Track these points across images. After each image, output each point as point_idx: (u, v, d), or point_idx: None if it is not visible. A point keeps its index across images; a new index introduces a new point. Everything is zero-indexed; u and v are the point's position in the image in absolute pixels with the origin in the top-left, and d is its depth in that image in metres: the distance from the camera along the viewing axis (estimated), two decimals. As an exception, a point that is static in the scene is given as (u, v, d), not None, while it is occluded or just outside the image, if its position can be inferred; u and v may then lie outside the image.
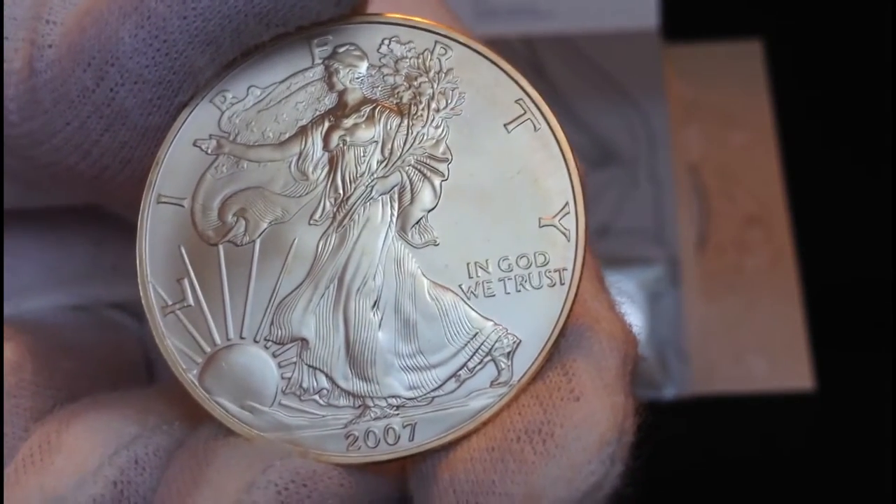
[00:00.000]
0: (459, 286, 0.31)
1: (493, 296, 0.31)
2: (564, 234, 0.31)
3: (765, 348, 0.70)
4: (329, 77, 0.32)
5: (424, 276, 0.31)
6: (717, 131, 0.78)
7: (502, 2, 0.77)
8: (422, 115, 0.32)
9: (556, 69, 0.76)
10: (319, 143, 0.32)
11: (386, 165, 0.32)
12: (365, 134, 0.32)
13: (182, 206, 0.32)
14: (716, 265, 0.73)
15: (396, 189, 0.32)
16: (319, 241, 0.31)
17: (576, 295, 0.31)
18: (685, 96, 0.78)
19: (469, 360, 0.31)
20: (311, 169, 0.32)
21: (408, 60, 0.32)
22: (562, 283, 0.31)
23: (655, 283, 0.72)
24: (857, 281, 0.71)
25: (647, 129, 0.76)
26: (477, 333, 0.31)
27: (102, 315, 0.40)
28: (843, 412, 0.67)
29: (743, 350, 0.70)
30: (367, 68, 0.32)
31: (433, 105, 0.32)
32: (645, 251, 0.73)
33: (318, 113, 0.32)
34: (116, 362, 0.39)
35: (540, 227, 0.31)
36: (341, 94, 0.32)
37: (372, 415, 0.31)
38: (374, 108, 0.32)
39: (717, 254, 0.74)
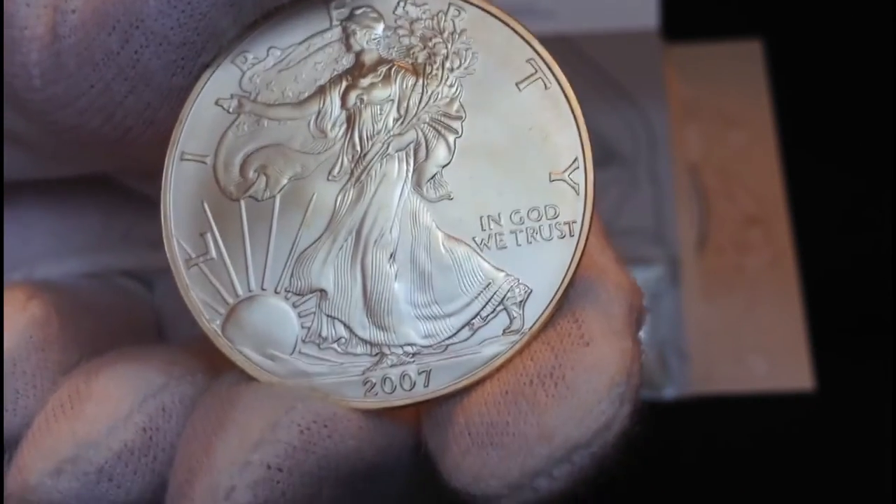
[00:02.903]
0: (473, 238, 0.32)
1: (505, 247, 0.32)
2: (574, 187, 0.32)
3: (765, 348, 0.70)
4: (346, 38, 0.33)
5: (439, 228, 0.32)
6: (717, 131, 0.78)
7: (502, 2, 0.77)
8: (436, 75, 0.33)
9: (555, 69, 0.76)
10: (337, 102, 0.33)
11: (402, 123, 0.33)
12: (381, 93, 0.33)
13: (205, 162, 0.33)
14: (716, 265, 0.73)
15: (412, 146, 0.33)
16: (338, 195, 0.33)
17: (585, 246, 0.32)
18: (685, 96, 0.79)
19: (482, 309, 0.32)
20: (329, 127, 0.33)
21: (422, 22, 0.33)
22: (571, 235, 0.32)
23: (655, 283, 0.72)
24: (857, 281, 0.71)
25: (647, 129, 0.76)
26: (489, 283, 0.32)
27: (113, 282, 0.41)
28: (843, 412, 0.66)
29: (743, 350, 0.70)
30: (384, 30, 0.33)
31: (447, 65, 0.33)
32: (645, 251, 0.73)
33: (335, 73, 0.33)
34: (131, 324, 0.40)
35: (550, 181, 0.32)
36: (358, 54, 0.33)
37: (388, 362, 0.32)
38: (390, 68, 0.33)
39: (717, 254, 0.74)
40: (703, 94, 0.79)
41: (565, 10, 0.77)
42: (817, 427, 0.66)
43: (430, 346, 0.32)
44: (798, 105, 0.77)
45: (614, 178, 0.75)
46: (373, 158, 0.32)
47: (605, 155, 0.75)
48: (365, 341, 0.32)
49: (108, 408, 0.32)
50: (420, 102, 0.33)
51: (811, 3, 0.79)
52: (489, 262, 0.32)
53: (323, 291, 0.32)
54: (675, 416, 0.67)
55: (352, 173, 0.32)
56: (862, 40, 0.78)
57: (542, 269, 0.32)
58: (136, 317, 0.41)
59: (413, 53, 0.33)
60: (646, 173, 0.75)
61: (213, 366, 0.34)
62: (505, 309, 0.32)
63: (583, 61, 0.77)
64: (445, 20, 0.33)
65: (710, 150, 0.77)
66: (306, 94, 0.33)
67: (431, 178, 0.32)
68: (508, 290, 0.32)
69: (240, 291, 0.32)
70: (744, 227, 0.74)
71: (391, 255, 0.32)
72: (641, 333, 0.33)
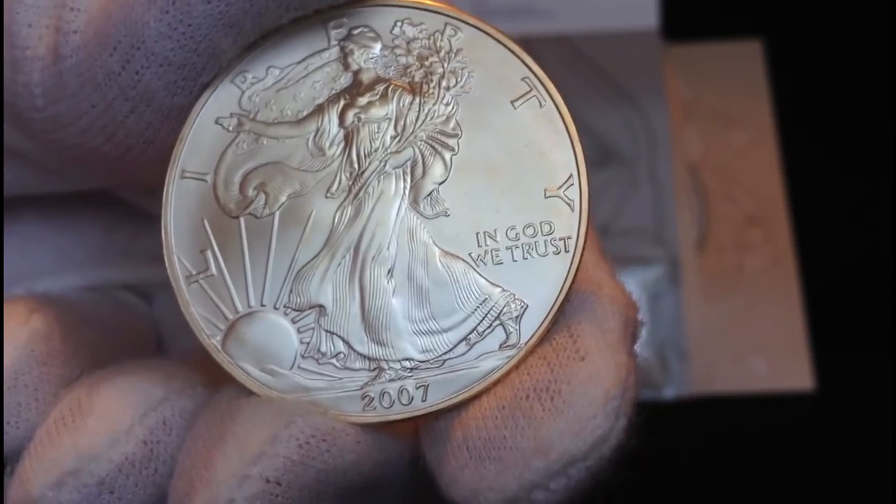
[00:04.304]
0: (469, 254, 0.33)
1: (501, 263, 0.33)
2: (569, 204, 0.33)
3: (765, 348, 0.70)
4: (344, 58, 0.33)
5: (436, 245, 0.33)
6: (717, 131, 0.78)
7: (502, 2, 0.77)
8: (433, 93, 0.33)
9: (556, 69, 0.76)
10: (335, 121, 0.33)
11: (399, 141, 0.33)
12: (379, 111, 0.33)
13: (205, 180, 0.33)
14: (716, 265, 0.73)
15: (409, 163, 0.33)
16: (336, 212, 0.33)
17: (580, 261, 0.32)
18: (685, 96, 0.79)
19: (479, 324, 0.32)
20: (327, 145, 0.33)
21: (419, 41, 0.33)
22: (566, 251, 0.32)
23: (655, 283, 0.72)
24: (857, 281, 0.71)
25: (647, 129, 0.76)
26: (486, 299, 0.32)
27: (114, 295, 0.41)
28: (843, 412, 0.67)
29: (743, 350, 0.70)
30: (381, 49, 0.33)
31: (443, 83, 0.33)
32: (645, 251, 0.73)
33: (333, 92, 0.33)
34: (130, 338, 0.40)
35: (545, 197, 0.33)
36: (356, 73, 0.33)
37: (386, 377, 0.32)
38: (387, 87, 0.33)
39: (717, 254, 0.74)
40: (703, 94, 0.79)
41: (565, 10, 0.77)
42: (817, 427, 0.66)
43: (428, 360, 0.32)
44: (798, 105, 0.77)
45: (614, 178, 0.75)
46: (370, 176, 0.33)
47: (605, 155, 0.75)
48: (363, 356, 0.33)
49: (110, 421, 0.32)
50: (417, 120, 0.33)
51: (811, 3, 0.79)
52: (486, 278, 0.32)
53: (321, 307, 0.33)
54: (675, 416, 0.68)
55: (350, 190, 0.33)
56: (862, 40, 0.78)
57: (538, 285, 0.32)
58: (136, 330, 0.41)
59: (410, 72, 0.33)
60: (646, 173, 0.75)
61: (213, 379, 0.34)
62: (501, 324, 0.32)
63: (583, 61, 0.77)
64: (442, 39, 0.33)
65: (710, 150, 0.77)
66: (305, 113, 0.33)
67: (428, 195, 0.33)
68: (505, 306, 0.32)
69: (239, 307, 0.33)
70: (744, 227, 0.74)
71: (389, 271, 0.33)
72: (637, 346, 0.33)
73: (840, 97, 0.77)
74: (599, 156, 0.75)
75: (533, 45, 0.75)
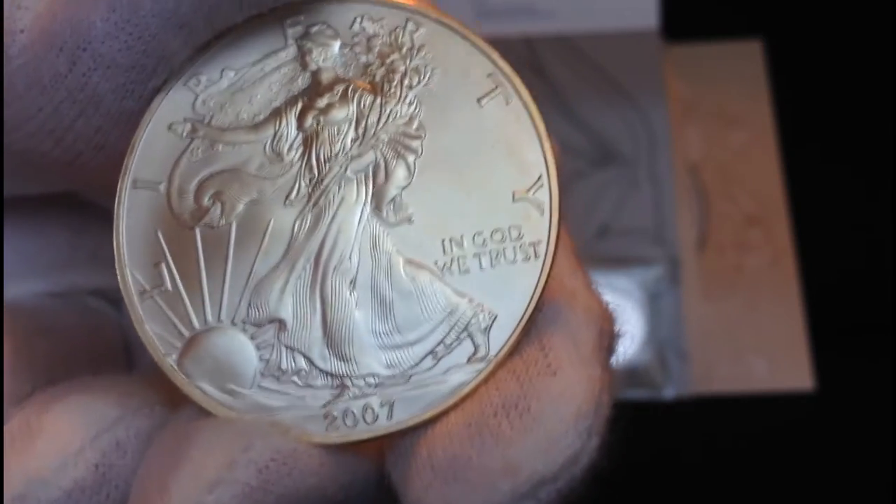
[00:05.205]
0: (434, 263, 0.31)
1: (468, 272, 0.31)
2: (538, 207, 0.31)
3: (765, 348, 0.70)
4: (302, 57, 0.32)
5: (400, 253, 0.31)
6: (717, 131, 0.78)
7: (502, 2, 0.77)
8: (395, 93, 0.32)
9: (556, 69, 0.77)
10: (294, 124, 0.32)
11: (360, 144, 0.32)
12: (339, 113, 0.32)
13: (158, 190, 0.32)
14: (716, 265, 0.73)
15: (371, 167, 0.31)
16: (295, 221, 0.31)
17: (551, 267, 0.31)
18: (685, 96, 0.79)
19: (445, 336, 0.31)
20: (285, 150, 0.32)
21: (380, 38, 0.32)
22: (536, 257, 0.31)
23: (655, 283, 0.72)
24: (857, 281, 0.71)
25: (647, 129, 0.76)
26: (453, 310, 0.31)
27: (81, 302, 0.40)
28: (843, 412, 0.67)
29: (743, 350, 0.70)
30: (340, 47, 0.32)
31: (406, 82, 0.32)
32: (645, 251, 0.73)
33: (291, 93, 0.32)
34: (95, 346, 0.39)
35: (514, 201, 0.31)
36: (315, 73, 0.32)
37: (350, 394, 0.31)
38: (347, 88, 0.32)
39: (717, 254, 0.74)
40: (703, 94, 0.79)
41: (565, 10, 0.77)
42: (817, 427, 0.67)
43: (393, 376, 0.31)
44: (798, 105, 0.77)
45: (614, 178, 0.75)
46: (331, 181, 0.31)
47: (604, 155, 0.75)
48: (326, 373, 0.31)
49: (59, 443, 0.31)
50: (378, 122, 0.31)
51: (811, 3, 0.79)
52: (452, 288, 0.31)
53: (281, 321, 0.31)
54: (675, 416, 0.68)
55: (309, 197, 0.31)
56: (862, 40, 0.78)
57: (507, 294, 0.31)
58: (102, 337, 0.39)
59: (370, 71, 0.32)
60: (646, 173, 0.75)
61: (172, 397, 0.32)
62: (469, 336, 0.31)
63: (583, 61, 0.77)
64: (403, 36, 0.32)
65: (710, 150, 0.77)
66: (262, 117, 0.32)
67: (391, 200, 0.31)
68: (472, 317, 0.31)
69: (196, 324, 0.31)
70: (744, 227, 0.74)
71: (351, 282, 0.31)
72: (614, 359, 0.31)
73: (840, 97, 0.77)
74: (599, 156, 0.75)
75: (533, 45, 0.76)
